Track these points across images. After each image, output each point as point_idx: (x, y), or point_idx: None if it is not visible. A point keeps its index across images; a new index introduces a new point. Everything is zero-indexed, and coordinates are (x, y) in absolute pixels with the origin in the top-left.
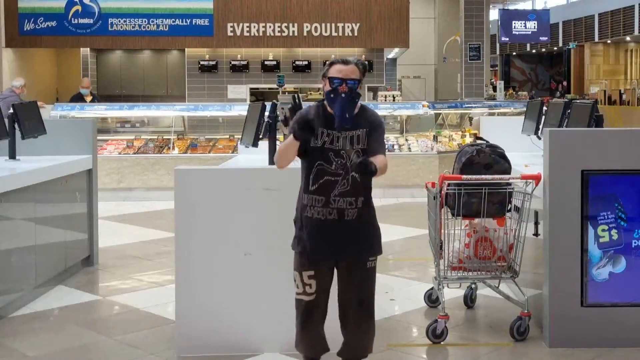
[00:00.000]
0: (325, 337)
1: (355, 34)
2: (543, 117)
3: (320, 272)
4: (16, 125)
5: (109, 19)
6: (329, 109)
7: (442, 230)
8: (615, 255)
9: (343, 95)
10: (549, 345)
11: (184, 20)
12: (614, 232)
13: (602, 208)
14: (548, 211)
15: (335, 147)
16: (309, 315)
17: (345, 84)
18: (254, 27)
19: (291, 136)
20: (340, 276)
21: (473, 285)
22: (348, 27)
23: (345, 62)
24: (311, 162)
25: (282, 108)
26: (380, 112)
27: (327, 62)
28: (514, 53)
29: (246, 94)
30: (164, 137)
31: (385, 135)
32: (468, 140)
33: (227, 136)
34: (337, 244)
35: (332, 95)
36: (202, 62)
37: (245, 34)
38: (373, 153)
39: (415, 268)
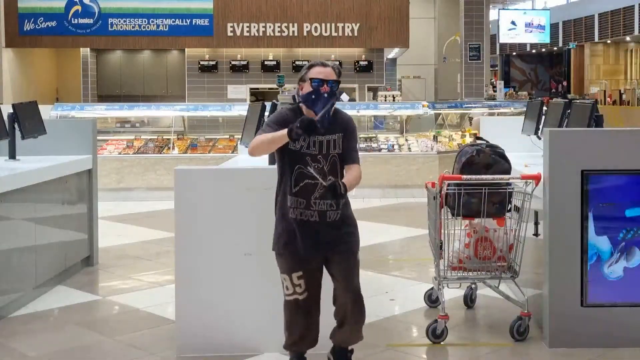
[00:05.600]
0: (317, 332)
1: (355, 34)
2: (543, 117)
3: (309, 271)
4: (16, 125)
5: (109, 19)
6: (305, 112)
7: (442, 230)
8: (628, 247)
9: (325, 95)
10: (549, 345)
11: (183, 20)
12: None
13: (603, 208)
14: (548, 211)
15: (312, 151)
16: (307, 312)
17: (326, 84)
18: (254, 27)
19: (283, 131)
20: (330, 270)
21: (473, 286)
22: (348, 27)
23: (324, 64)
24: (291, 165)
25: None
26: (380, 112)
27: (305, 65)
28: (514, 53)
29: (246, 94)
30: (164, 137)
31: (386, 136)
32: (468, 140)
33: (227, 136)
34: (323, 241)
35: (313, 96)
36: (202, 62)
37: (245, 34)
38: (349, 162)
39: (415, 268)
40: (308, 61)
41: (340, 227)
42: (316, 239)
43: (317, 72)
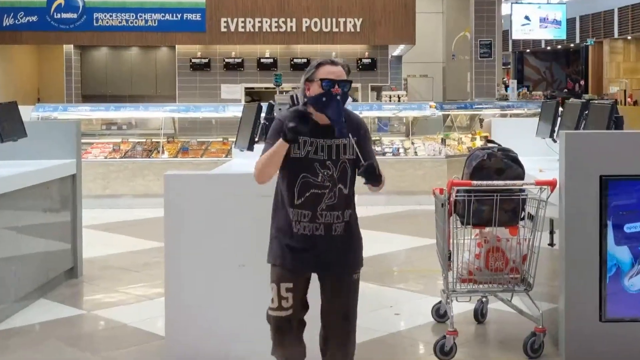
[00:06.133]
0: (305, 346)
1: (358, 29)
2: (559, 118)
3: (299, 284)
4: None
5: (94, 14)
6: (315, 116)
7: (451, 240)
8: None
9: (338, 97)
10: None
11: (174, 15)
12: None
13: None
14: (564, 219)
15: (320, 157)
16: (287, 332)
17: (337, 85)
18: (249, 22)
19: (279, 141)
20: (324, 290)
21: (484, 299)
22: (350, 22)
23: (334, 62)
24: (294, 174)
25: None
26: (384, 113)
27: (311, 64)
28: (528, 50)
29: (241, 94)
30: (153, 140)
31: (390, 139)
32: (478, 143)
33: (221, 139)
34: (323, 258)
35: (324, 99)
36: (193, 60)
37: (240, 29)
38: None
39: (422, 280)
40: (307, 59)
41: (344, 242)
42: (317, 253)
43: (327, 72)
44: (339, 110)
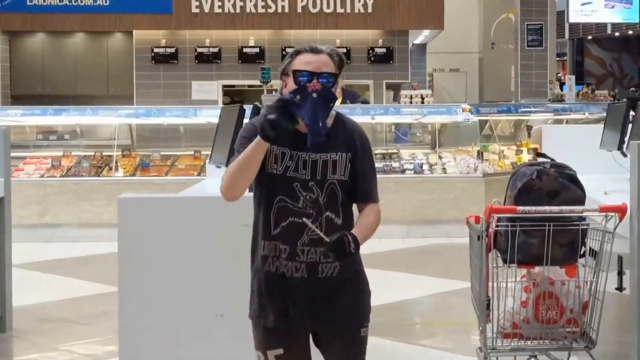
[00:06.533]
0: None
1: (369, 10)
2: (630, 126)
3: (293, 350)
4: None
5: None
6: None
7: (490, 283)
8: None
9: (315, 95)
10: None
11: None
12: None
13: None
14: (637, 256)
15: (302, 175)
16: None
17: (316, 79)
18: (229, 0)
19: (255, 140)
20: (320, 348)
21: (533, 359)
22: (359, 0)
23: (315, 50)
24: (270, 194)
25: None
26: (403, 119)
27: (289, 52)
28: (590, 37)
29: (217, 93)
30: (104, 153)
31: (411, 151)
32: (526, 158)
33: (191, 152)
34: (312, 308)
35: (297, 97)
36: (156, 50)
37: (217, 9)
38: (363, 199)
39: (453, 335)
40: None
41: (338, 287)
42: (301, 304)
43: (303, 62)
44: (315, 112)
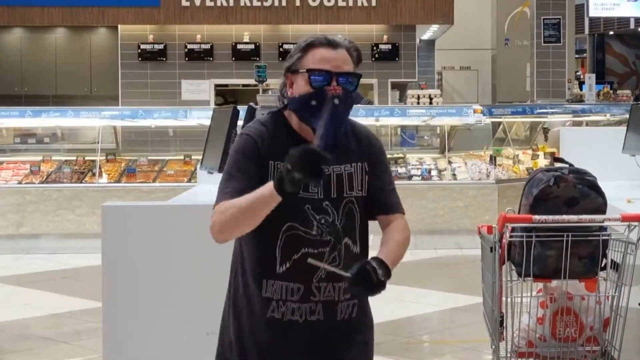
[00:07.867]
0: None
1: (373, 3)
2: None
3: None
4: None
5: None
6: (297, 128)
7: (504, 299)
8: None
9: (337, 102)
10: None
11: None
12: None
13: None
14: None
15: (313, 194)
16: None
17: (336, 81)
18: None
19: (266, 188)
20: None
21: None
22: None
23: (332, 43)
24: (275, 224)
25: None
26: (410, 121)
27: (298, 44)
28: (612, 32)
29: (209, 93)
30: (87, 158)
31: (419, 156)
32: (542, 163)
33: (181, 157)
34: (320, 354)
35: (314, 104)
36: (143, 46)
37: (209, 3)
38: (386, 211)
39: (463, 355)
40: None
41: (352, 330)
42: (306, 353)
43: (320, 59)
44: (334, 124)
